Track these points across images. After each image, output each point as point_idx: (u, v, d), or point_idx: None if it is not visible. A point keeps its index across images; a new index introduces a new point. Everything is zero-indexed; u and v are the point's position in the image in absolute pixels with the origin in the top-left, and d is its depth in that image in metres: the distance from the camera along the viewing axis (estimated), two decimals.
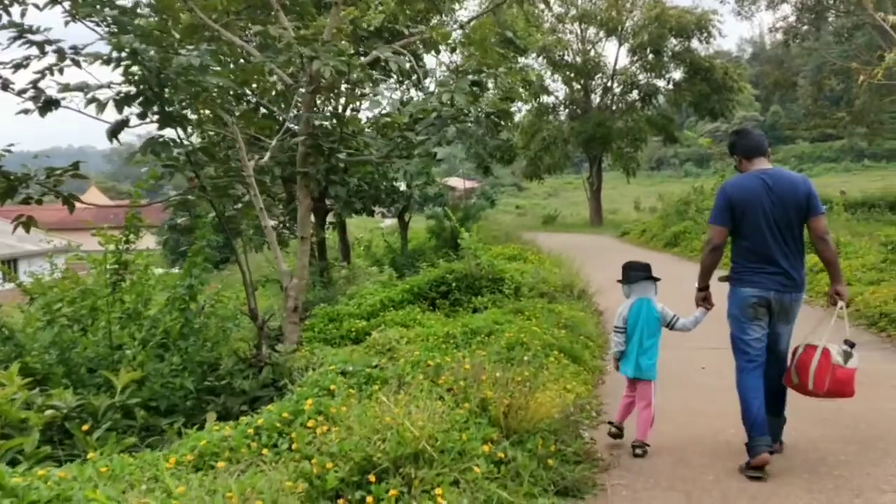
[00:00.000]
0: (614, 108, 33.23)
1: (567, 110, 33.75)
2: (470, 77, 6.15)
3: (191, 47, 5.77)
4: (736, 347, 4.58)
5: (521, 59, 30.59)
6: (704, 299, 4.76)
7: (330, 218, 17.14)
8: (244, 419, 4.10)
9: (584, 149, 32.74)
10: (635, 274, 4.92)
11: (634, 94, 32.73)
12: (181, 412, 5.74)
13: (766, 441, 4.27)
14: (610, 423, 4.99)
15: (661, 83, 31.89)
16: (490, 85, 7.88)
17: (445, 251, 17.77)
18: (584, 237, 26.62)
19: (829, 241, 4.52)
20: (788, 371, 4.56)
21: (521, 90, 31.98)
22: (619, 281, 5.04)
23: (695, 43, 30.01)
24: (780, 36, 26.14)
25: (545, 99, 33.24)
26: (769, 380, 4.53)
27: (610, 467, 4.43)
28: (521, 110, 33.32)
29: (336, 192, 15.51)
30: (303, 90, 6.21)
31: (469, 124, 16.61)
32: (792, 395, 4.68)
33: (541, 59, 30.58)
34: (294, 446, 3.64)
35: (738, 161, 4.61)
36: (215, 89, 5.42)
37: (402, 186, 19.13)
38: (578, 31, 32.59)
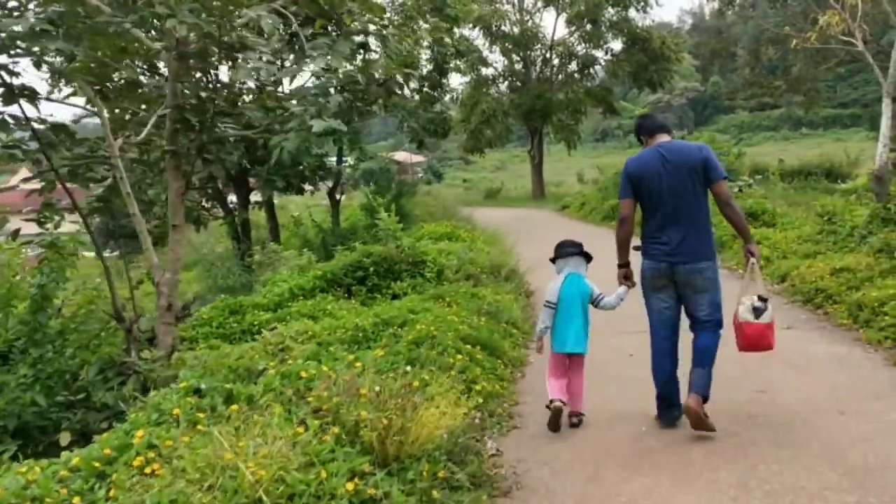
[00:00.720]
0: (554, 79, 32.67)
1: (507, 82, 33.08)
2: (356, 39, 5.38)
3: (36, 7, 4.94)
4: (650, 319, 4.78)
5: (458, 31, 29.89)
6: (626, 277, 4.82)
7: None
8: (64, 455, 3.37)
9: (524, 121, 32.16)
10: (567, 249, 4.94)
11: (574, 66, 32.22)
12: (34, 431, 4.99)
13: (670, 415, 4.66)
14: (551, 402, 4.72)
15: (599, 54, 31.44)
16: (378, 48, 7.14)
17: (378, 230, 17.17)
18: (524, 211, 26.15)
19: (734, 205, 4.59)
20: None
21: (457, 62, 31.28)
22: (551, 259, 5.03)
23: (632, 13, 29.64)
24: (716, 4, 25.85)
25: (484, 71, 32.52)
26: (694, 340, 4.63)
27: (511, 489, 3.83)
28: (461, 84, 32.65)
29: (256, 170, 14.70)
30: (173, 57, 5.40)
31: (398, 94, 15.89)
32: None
33: (478, 29, 29.76)
34: (112, 494, 2.94)
35: (645, 141, 4.75)
36: (55, 55, 4.58)
37: (334, 162, 18.38)
38: (516, 1, 31.87)
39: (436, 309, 7.37)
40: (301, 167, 14.77)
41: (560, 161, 58.22)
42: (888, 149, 9.26)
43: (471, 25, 28.65)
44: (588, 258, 4.97)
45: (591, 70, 31.92)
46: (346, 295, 8.65)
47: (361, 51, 5.68)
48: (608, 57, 31.28)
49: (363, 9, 7.54)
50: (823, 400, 5.20)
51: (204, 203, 16.16)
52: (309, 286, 8.59)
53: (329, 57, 4.58)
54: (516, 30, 30.36)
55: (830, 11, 9.29)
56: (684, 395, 4.53)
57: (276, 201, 23.75)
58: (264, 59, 4.88)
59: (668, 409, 4.72)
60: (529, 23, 31.30)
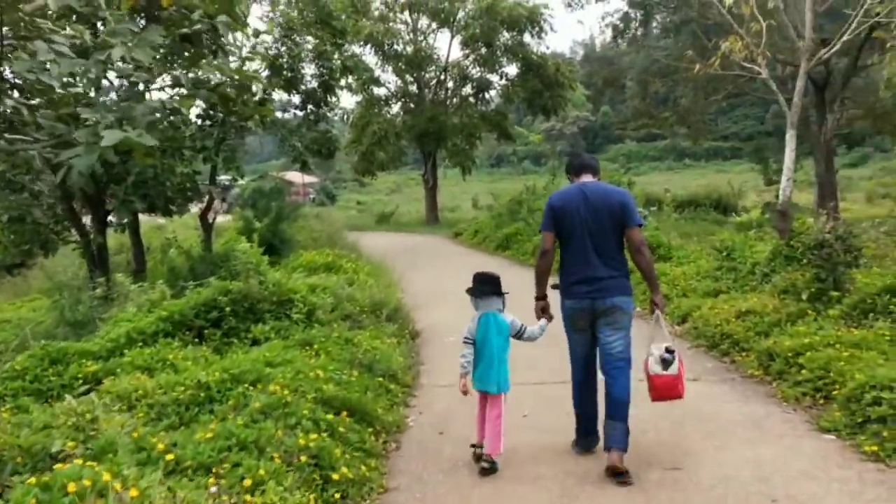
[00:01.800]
0: (448, 102, 32.05)
1: (400, 103, 32.20)
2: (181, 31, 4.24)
3: None
4: (569, 351, 4.89)
5: (349, 47, 28.81)
6: (543, 310, 4.84)
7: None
8: None
9: (417, 144, 31.31)
10: (481, 288, 4.82)
11: (468, 89, 31.70)
12: None
13: (588, 442, 4.82)
14: (473, 445, 4.89)
15: (494, 78, 31.02)
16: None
17: (263, 253, 15.73)
18: (416, 238, 25.19)
19: (646, 252, 4.62)
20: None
21: (348, 80, 30.18)
22: (467, 291, 4.88)
23: (527, 38, 29.34)
24: (609, 33, 25.94)
25: (377, 91, 31.50)
26: (608, 387, 4.64)
27: None
28: (352, 104, 31.56)
29: (112, 190, 13.09)
30: None
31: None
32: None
33: (369, 47, 28.75)
34: None
35: (570, 179, 4.87)
36: None
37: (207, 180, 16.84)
38: (409, 21, 31.12)
39: (300, 359, 6.24)
40: (164, 186, 13.22)
41: (456, 185, 57.85)
42: (791, 182, 8.78)
43: (361, 43, 27.63)
44: (502, 294, 4.85)
45: (486, 94, 31.47)
46: (197, 339, 7.34)
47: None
48: (503, 82, 30.94)
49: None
50: (748, 481, 4.39)
51: (53, 224, 14.40)
52: (150, 330, 7.21)
53: (132, 46, 3.40)
54: (409, 49, 29.53)
55: (732, 37, 8.76)
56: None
57: (161, 221, 21.88)
58: (63, 50, 3.66)
59: (586, 436, 4.90)
60: (423, 43, 30.58)
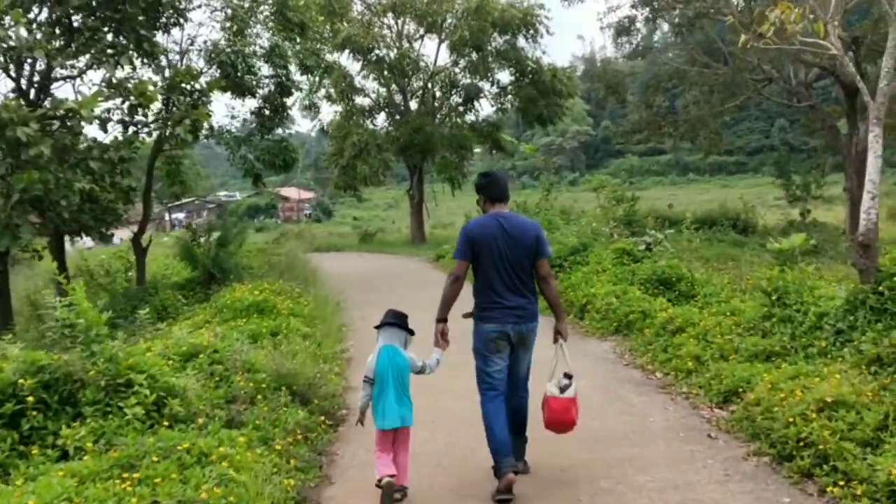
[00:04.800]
0: (436, 112, 29.43)
1: (383, 113, 29.56)
2: None
3: None
4: (480, 379, 4.87)
5: (322, 49, 26.27)
6: (443, 333, 4.84)
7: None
8: None
9: (402, 157, 28.63)
10: (385, 320, 4.75)
11: (458, 98, 29.04)
12: None
13: (510, 462, 4.65)
14: (380, 479, 4.49)
15: (485, 85, 28.39)
16: None
17: (203, 283, 13.08)
18: (394, 261, 22.42)
19: (553, 283, 4.91)
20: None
21: (328, 88, 27.64)
22: (375, 327, 4.81)
23: (521, 41, 26.79)
24: (610, 34, 23.40)
25: (359, 100, 28.87)
26: (511, 404, 4.87)
27: None
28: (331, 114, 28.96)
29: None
30: None
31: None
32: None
33: (347, 53, 26.07)
34: None
35: (483, 202, 4.94)
36: None
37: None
38: (394, 24, 28.49)
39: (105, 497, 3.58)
40: (59, 205, 10.52)
41: (453, 200, 55.24)
42: (877, 202, 6.08)
43: (339, 45, 25.02)
44: (410, 331, 4.80)
45: (477, 103, 28.81)
46: None
47: None
48: (495, 89, 28.32)
49: None
50: None
51: None
52: None
53: None
54: (393, 55, 26.89)
55: (783, 3, 6.09)
56: None
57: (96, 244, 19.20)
58: None
59: (506, 457, 4.69)
60: (409, 49, 27.94)
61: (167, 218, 54.73)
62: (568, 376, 4.86)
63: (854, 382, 5.22)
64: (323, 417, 5.95)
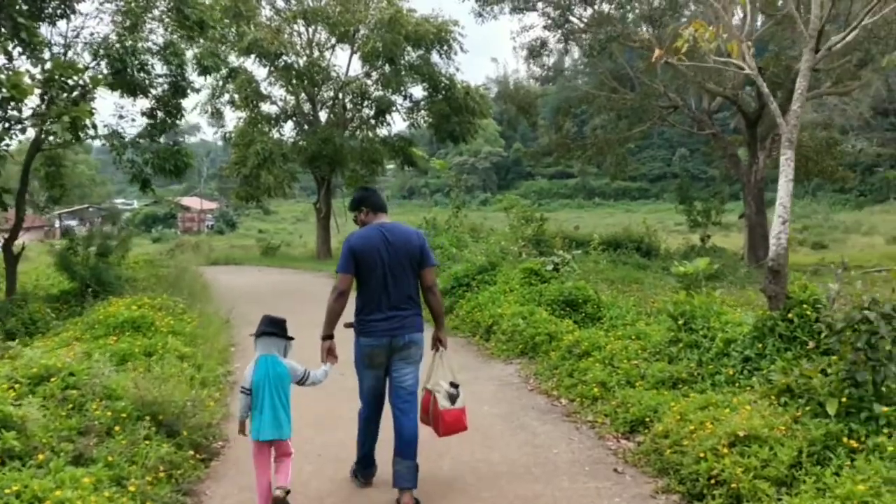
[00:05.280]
0: (347, 124, 28.77)
1: (291, 122, 28.67)
2: None
3: None
4: (361, 391, 4.90)
5: (236, 59, 25.34)
6: (330, 350, 4.75)
7: None
8: None
9: (309, 168, 27.80)
10: (262, 328, 4.49)
11: (369, 110, 28.49)
12: None
13: (374, 471, 5.01)
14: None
15: (398, 99, 27.99)
16: None
17: (79, 296, 11.99)
18: (295, 277, 21.55)
19: (437, 291, 4.91)
20: (421, 413, 4.95)
21: (231, 94, 26.62)
22: (251, 335, 4.57)
23: (435, 57, 26.56)
24: (523, 54, 23.47)
25: (266, 108, 27.93)
26: (398, 422, 4.75)
27: None
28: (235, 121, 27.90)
29: None
30: None
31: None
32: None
33: (254, 58, 25.16)
34: None
35: (365, 213, 4.88)
36: None
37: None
38: (304, 32, 27.72)
39: None
40: None
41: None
42: (787, 227, 5.91)
43: (245, 49, 24.10)
44: (288, 339, 4.57)
45: (389, 117, 28.37)
46: None
47: None
48: (408, 103, 27.95)
49: None
50: None
51: None
52: None
53: None
54: (302, 62, 26.13)
55: (697, 22, 5.89)
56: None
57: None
58: None
59: (368, 467, 5.01)
60: (318, 56, 27.25)
61: (57, 225, 51.73)
62: (454, 385, 4.91)
63: (765, 414, 4.96)
64: (193, 451, 5.25)
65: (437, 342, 4.97)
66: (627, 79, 23.44)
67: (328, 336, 4.73)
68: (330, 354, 4.75)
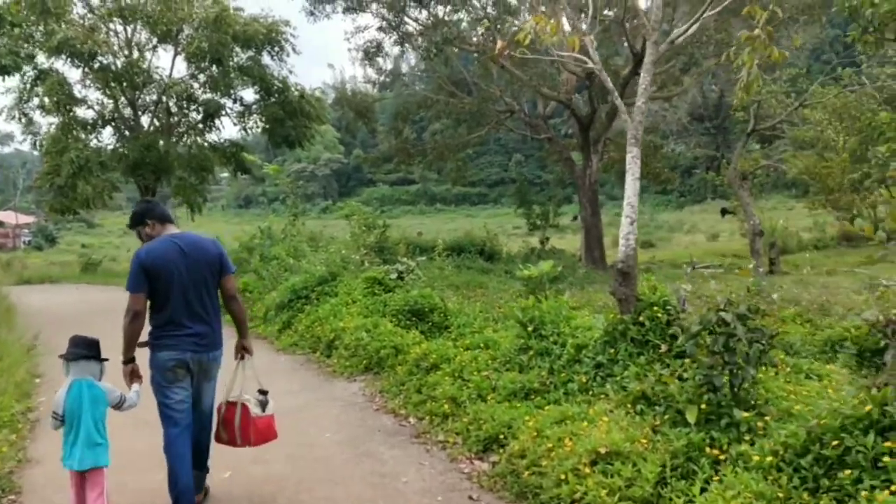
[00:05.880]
0: (173, 129, 26.89)
1: (110, 127, 26.39)
2: None
3: None
4: (163, 413, 4.51)
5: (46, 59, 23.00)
6: (133, 373, 4.44)
7: None
8: None
9: (132, 177, 25.73)
10: (75, 351, 4.17)
11: (197, 115, 26.78)
12: None
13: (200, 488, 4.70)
14: None
15: (228, 102, 26.49)
16: None
17: None
18: (118, 293, 19.66)
19: (240, 298, 4.81)
20: (217, 429, 4.82)
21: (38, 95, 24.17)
22: (60, 356, 4.23)
23: (267, 59, 25.37)
24: (359, 56, 22.90)
25: (81, 112, 25.53)
26: (194, 437, 4.59)
27: None
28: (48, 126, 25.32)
29: None
30: None
31: None
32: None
33: (65, 58, 22.89)
34: None
35: (152, 226, 4.61)
36: None
37: None
38: (122, 31, 25.63)
39: None
40: None
41: (195, 225, 51.50)
42: (636, 227, 5.71)
43: (55, 49, 21.86)
44: (102, 360, 4.26)
45: (219, 121, 26.81)
46: None
47: None
48: (238, 107, 26.55)
49: None
50: None
51: None
52: None
53: None
54: (120, 63, 24.15)
55: (538, 16, 5.59)
56: None
57: None
58: None
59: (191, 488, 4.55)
60: (138, 57, 25.30)
61: None
62: (263, 392, 4.82)
63: (624, 426, 4.67)
64: None
65: (242, 350, 4.81)
66: (464, 83, 23.48)
67: (129, 360, 4.43)
68: (134, 376, 4.45)
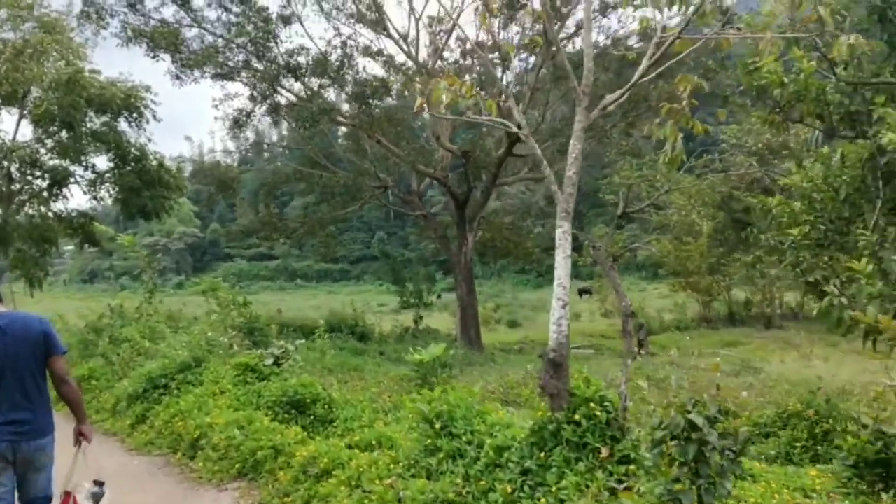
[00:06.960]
0: (16, 197, 24.42)
1: None
2: None
3: None
4: None
5: None
6: None
7: None
8: None
9: None
10: None
11: (42, 182, 24.48)
12: None
13: None
14: None
15: (78, 170, 24.41)
16: None
17: None
18: None
19: (72, 381, 4.51)
20: None
21: None
22: None
23: (124, 125, 23.72)
24: (228, 124, 21.80)
25: None
26: None
27: None
28: None
29: None
30: None
31: None
32: None
33: None
34: None
35: None
36: None
37: None
38: None
39: None
40: None
41: (35, 301, 46.85)
42: (568, 311, 5.09)
43: None
44: None
45: (67, 189, 24.62)
46: None
47: None
48: (90, 174, 24.54)
49: None
50: None
51: None
52: None
53: None
54: None
55: (449, 77, 5.08)
56: None
57: None
58: None
59: None
60: None
61: None
62: (99, 483, 4.57)
63: None
64: None
65: (80, 436, 4.53)
66: (336, 158, 22.85)
67: None
68: None
